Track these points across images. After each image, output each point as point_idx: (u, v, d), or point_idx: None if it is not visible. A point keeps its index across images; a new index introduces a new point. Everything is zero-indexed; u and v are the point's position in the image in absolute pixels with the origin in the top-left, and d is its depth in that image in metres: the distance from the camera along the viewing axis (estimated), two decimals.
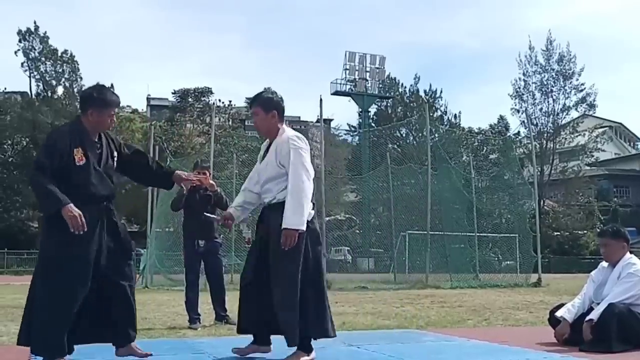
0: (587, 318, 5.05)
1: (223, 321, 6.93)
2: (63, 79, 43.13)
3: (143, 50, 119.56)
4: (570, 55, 47.34)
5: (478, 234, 22.53)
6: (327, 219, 23.03)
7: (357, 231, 39.18)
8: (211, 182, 6.87)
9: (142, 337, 5.71)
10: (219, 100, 54.17)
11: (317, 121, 43.02)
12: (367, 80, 53.69)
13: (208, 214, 6.32)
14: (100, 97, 4.19)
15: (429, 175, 18.44)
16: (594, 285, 5.37)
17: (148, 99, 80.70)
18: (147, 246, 20.32)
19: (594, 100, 47.75)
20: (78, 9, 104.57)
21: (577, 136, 48.40)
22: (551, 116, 47.70)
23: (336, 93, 53.26)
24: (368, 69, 53.84)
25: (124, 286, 4.07)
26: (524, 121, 47.10)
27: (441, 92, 53.19)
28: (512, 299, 11.65)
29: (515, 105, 48.34)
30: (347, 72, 53.66)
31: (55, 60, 42.58)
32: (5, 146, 44.88)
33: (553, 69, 47.57)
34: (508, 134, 44.02)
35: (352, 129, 56.97)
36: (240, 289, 4.56)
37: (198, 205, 6.93)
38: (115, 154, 4.26)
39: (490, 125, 54.00)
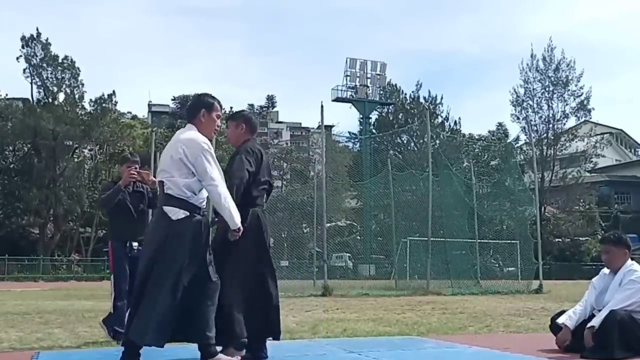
0: (589, 325, 5.04)
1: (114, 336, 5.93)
2: (64, 85, 43.17)
3: (144, 57, 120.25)
4: (567, 61, 47.49)
5: (479, 240, 22.54)
6: (328, 225, 23.02)
7: (358, 237, 39.20)
8: (152, 179, 5.95)
9: None
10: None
11: (318, 127, 43.12)
12: (368, 87, 53.77)
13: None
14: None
15: (430, 182, 18.42)
16: (595, 292, 5.37)
17: (149, 106, 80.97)
18: None
19: (588, 104, 47.83)
20: (80, 17, 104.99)
21: (577, 142, 48.40)
22: (551, 123, 47.79)
23: (337, 99, 53.33)
24: (369, 76, 53.93)
25: None
26: (524, 127, 47.23)
27: (442, 98, 53.31)
28: (513, 306, 11.63)
29: (516, 112, 48.45)
30: (348, 78, 53.78)
31: (56, 66, 42.63)
32: (7, 152, 44.88)
33: (552, 76, 47.66)
34: (508, 141, 44.11)
35: (353, 135, 57.08)
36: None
37: (130, 203, 6.12)
38: None
39: (489, 132, 54.06)
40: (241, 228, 4.19)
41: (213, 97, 4.44)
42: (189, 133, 4.21)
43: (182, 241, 4.02)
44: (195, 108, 4.33)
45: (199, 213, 4.12)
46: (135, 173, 6.07)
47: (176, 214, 4.05)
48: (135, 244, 6.07)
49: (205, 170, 4.06)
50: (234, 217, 4.11)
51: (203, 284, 4.14)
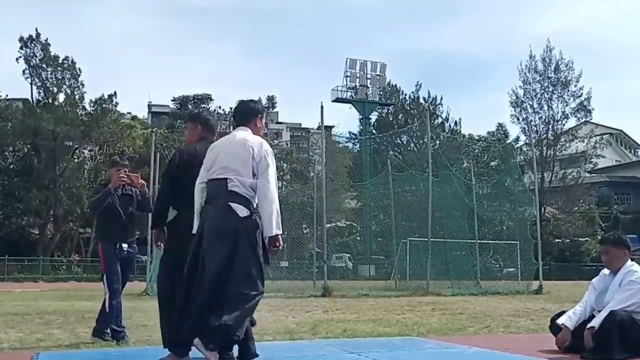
0: (589, 325, 5.04)
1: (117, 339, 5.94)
2: (64, 86, 43.12)
3: (144, 57, 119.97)
4: (565, 61, 47.53)
5: (479, 241, 22.53)
6: (328, 225, 23.01)
7: (358, 238, 39.21)
8: (142, 182, 6.31)
9: (142, 344, 5.72)
10: (219, 107, 54.41)
11: (318, 128, 43.13)
12: (368, 88, 53.75)
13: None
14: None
15: (429, 182, 18.42)
16: (595, 293, 5.37)
17: (149, 106, 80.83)
18: (146, 253, 20.25)
19: (589, 104, 47.85)
20: (80, 17, 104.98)
21: (576, 142, 48.43)
22: (551, 123, 47.80)
23: (337, 100, 53.29)
24: (369, 76, 53.92)
25: None
26: (524, 128, 47.25)
27: (442, 99, 53.30)
28: (513, 306, 11.63)
29: (515, 113, 48.47)
30: (348, 79, 53.75)
31: (56, 67, 42.59)
32: (7, 153, 44.82)
33: (551, 77, 47.69)
34: (508, 141, 44.11)
35: (353, 136, 57.05)
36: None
37: (119, 206, 6.14)
38: None
39: (489, 133, 54.05)
40: (280, 242, 4.14)
41: (262, 104, 4.93)
42: (254, 136, 4.44)
43: (250, 237, 4.09)
44: (252, 113, 4.61)
45: (255, 213, 4.19)
46: (125, 176, 6.08)
47: (242, 211, 4.11)
48: (125, 245, 6.13)
49: (266, 170, 4.22)
50: (273, 222, 4.08)
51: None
